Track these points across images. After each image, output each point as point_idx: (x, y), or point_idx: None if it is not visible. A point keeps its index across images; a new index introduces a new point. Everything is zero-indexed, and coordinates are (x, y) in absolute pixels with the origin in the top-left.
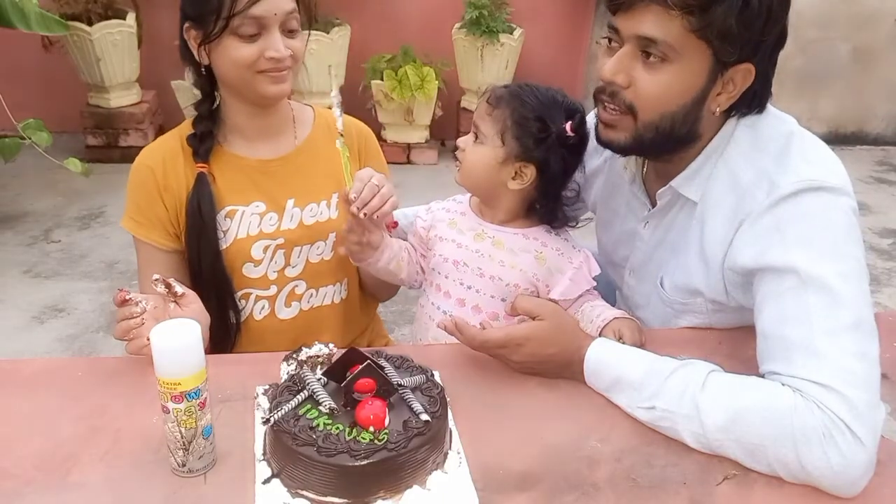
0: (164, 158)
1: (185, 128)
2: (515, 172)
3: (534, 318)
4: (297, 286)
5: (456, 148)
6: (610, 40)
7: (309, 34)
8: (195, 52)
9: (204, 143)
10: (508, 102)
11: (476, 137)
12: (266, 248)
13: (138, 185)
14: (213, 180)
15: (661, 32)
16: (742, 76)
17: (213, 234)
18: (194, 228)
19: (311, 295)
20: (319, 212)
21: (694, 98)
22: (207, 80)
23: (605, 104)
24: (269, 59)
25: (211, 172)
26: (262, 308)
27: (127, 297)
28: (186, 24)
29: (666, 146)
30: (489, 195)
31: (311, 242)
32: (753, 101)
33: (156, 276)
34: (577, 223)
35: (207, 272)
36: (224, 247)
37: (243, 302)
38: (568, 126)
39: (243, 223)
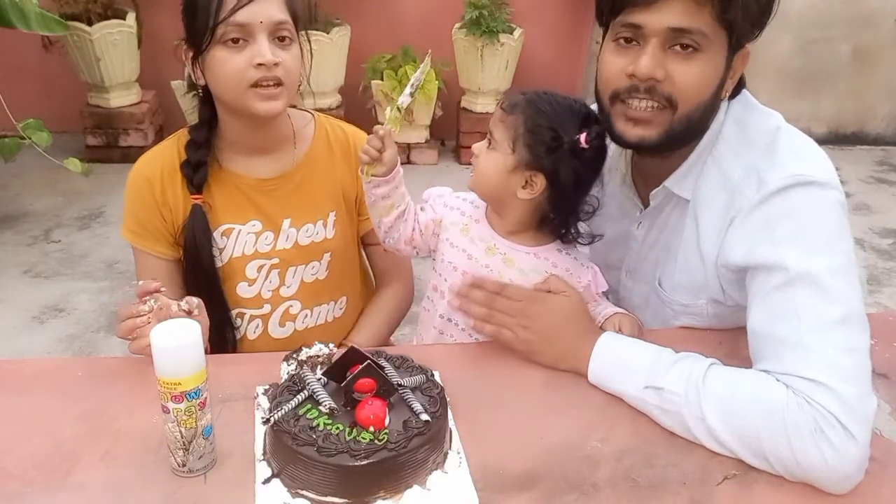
0: (163, 173)
1: (184, 138)
2: (525, 181)
3: None
4: (291, 306)
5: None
6: (625, 39)
7: (308, 40)
8: (192, 72)
9: (198, 172)
10: (523, 109)
11: (490, 143)
12: (260, 268)
13: (136, 196)
14: (210, 209)
15: (693, 21)
16: (742, 60)
17: (210, 263)
18: (190, 258)
19: (306, 315)
20: (315, 232)
21: (718, 86)
22: (207, 104)
23: (639, 100)
24: (257, 66)
25: (207, 202)
26: (256, 327)
27: (151, 289)
28: (184, 46)
29: (688, 139)
30: (499, 203)
31: (305, 262)
32: (740, 83)
33: (183, 306)
34: (591, 240)
35: (204, 294)
36: (219, 265)
37: (238, 321)
38: (583, 137)
39: (239, 242)
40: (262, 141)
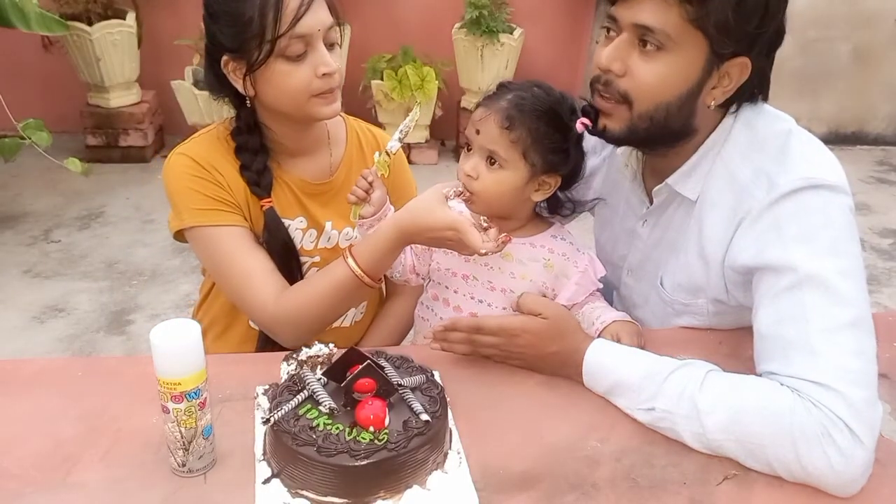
0: (225, 174)
1: (221, 143)
2: (539, 184)
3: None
4: None
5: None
6: (608, 30)
7: (340, 44)
8: (239, 85)
9: (263, 177)
10: (522, 121)
11: (491, 162)
12: (303, 265)
13: (191, 176)
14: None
15: (659, 21)
16: (738, 70)
17: (298, 263)
18: (280, 262)
19: None
20: (353, 236)
21: (689, 90)
22: (245, 109)
23: (601, 93)
24: (322, 76)
25: (274, 206)
26: None
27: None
28: (224, 58)
29: (660, 139)
30: (509, 211)
31: None
32: (751, 97)
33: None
34: (584, 206)
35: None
36: None
37: None
38: (579, 125)
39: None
40: (300, 143)
